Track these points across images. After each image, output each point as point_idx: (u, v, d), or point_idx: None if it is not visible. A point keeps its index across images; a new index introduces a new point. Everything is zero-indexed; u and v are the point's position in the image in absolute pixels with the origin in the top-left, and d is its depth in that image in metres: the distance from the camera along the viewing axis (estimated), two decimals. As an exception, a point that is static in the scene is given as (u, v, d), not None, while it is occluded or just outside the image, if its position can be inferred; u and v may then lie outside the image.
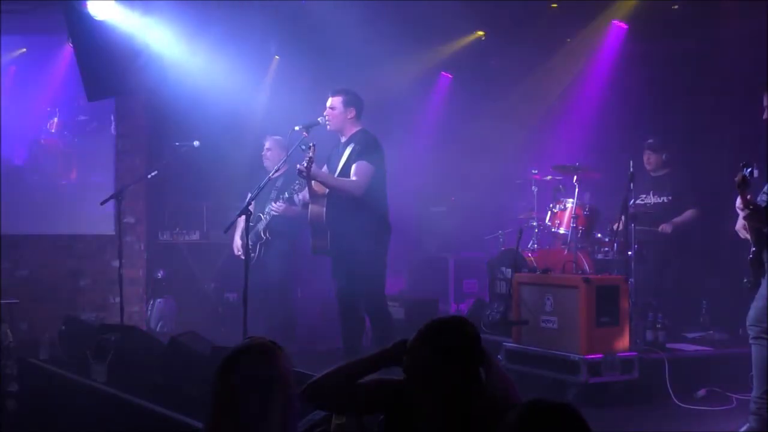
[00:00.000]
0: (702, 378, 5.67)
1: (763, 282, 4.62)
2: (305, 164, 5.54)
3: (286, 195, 6.71)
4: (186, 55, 7.72)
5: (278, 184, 7.17)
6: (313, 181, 5.83)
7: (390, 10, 7.54)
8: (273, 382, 2.23)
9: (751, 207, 4.50)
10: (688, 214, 6.94)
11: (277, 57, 8.44)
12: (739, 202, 4.59)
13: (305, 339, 7.36)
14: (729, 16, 7.27)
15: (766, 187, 4.71)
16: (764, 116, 4.72)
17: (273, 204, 6.92)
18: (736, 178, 4.45)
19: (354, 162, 5.79)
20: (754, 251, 4.67)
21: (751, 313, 4.66)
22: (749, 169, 4.44)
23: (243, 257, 7.04)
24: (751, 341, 4.67)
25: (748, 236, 4.71)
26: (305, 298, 7.98)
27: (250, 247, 6.98)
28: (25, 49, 8.36)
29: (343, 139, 6.01)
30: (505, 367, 6.08)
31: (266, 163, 7.10)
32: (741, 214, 4.65)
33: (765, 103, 4.72)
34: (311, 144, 5.55)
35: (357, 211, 5.76)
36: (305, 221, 6.20)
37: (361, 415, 3.05)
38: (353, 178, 5.76)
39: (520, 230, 6.85)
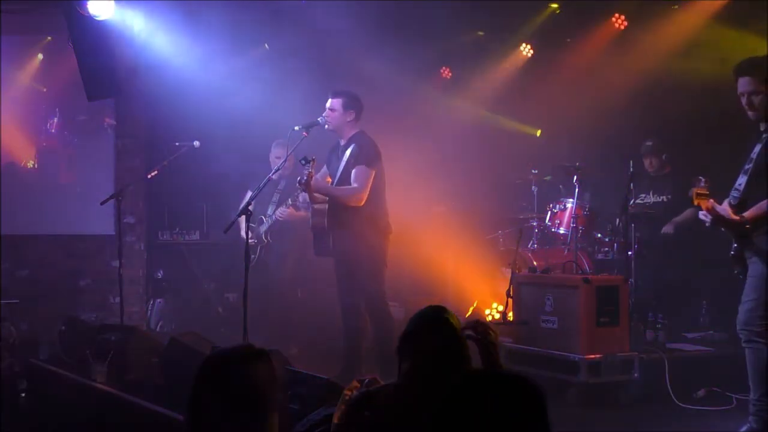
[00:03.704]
0: (702, 378, 5.67)
1: (747, 284, 4.61)
2: (304, 181, 5.60)
3: (290, 202, 6.72)
4: (186, 55, 7.72)
5: (280, 186, 7.17)
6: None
7: (389, 9, 7.53)
8: (270, 389, 2.22)
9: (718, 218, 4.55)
10: (688, 212, 6.94)
11: (266, 46, 8.41)
12: (703, 215, 4.62)
13: (305, 339, 7.35)
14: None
15: (737, 181, 4.69)
16: (742, 101, 4.69)
17: (278, 210, 6.93)
18: (690, 195, 4.51)
19: (353, 167, 5.82)
20: (735, 248, 4.67)
21: (740, 317, 4.63)
22: (701, 184, 4.49)
23: (253, 241, 7.07)
24: (743, 344, 4.65)
25: (707, 221, 4.67)
26: (305, 299, 7.98)
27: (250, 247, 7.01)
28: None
29: (342, 142, 6.05)
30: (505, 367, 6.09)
31: (274, 166, 7.13)
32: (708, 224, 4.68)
33: (739, 90, 4.68)
34: (312, 159, 5.58)
35: (357, 213, 5.81)
36: (306, 223, 6.23)
37: None
38: (353, 184, 5.80)
39: (520, 230, 6.85)
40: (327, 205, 5.92)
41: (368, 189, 5.81)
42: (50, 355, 6.91)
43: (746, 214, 4.53)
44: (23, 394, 5.86)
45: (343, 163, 5.94)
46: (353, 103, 5.99)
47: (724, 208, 4.61)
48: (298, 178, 5.74)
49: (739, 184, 4.65)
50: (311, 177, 5.61)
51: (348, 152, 5.93)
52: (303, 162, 5.62)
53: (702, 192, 4.52)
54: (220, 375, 2.22)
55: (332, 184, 6.05)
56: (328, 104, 6.00)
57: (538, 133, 8.97)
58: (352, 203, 5.80)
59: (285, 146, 6.91)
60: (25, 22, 7.92)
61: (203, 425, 2.18)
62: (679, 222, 6.89)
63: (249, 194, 6.79)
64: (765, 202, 4.53)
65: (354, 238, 5.79)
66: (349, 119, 5.98)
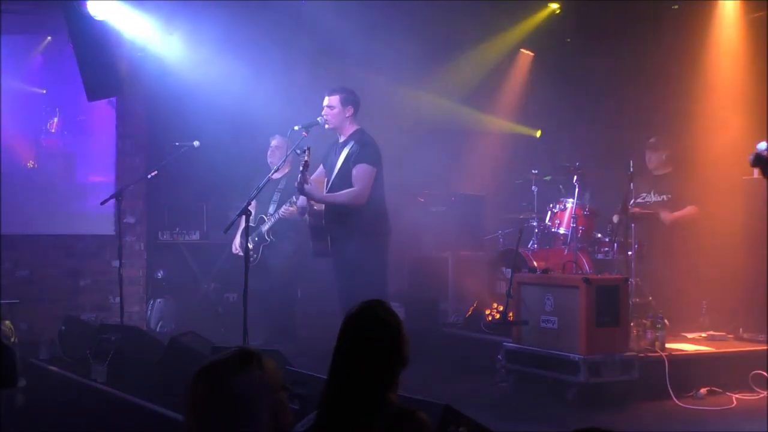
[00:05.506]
0: (702, 378, 5.67)
1: None
2: (299, 179, 5.57)
3: (294, 199, 6.73)
4: (186, 54, 7.72)
5: (281, 186, 7.17)
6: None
7: (388, 10, 7.54)
8: (256, 393, 2.18)
9: None
10: (688, 209, 6.94)
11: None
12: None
13: (306, 339, 7.35)
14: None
15: None
16: None
17: (283, 208, 6.93)
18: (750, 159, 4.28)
19: (354, 164, 5.80)
20: None
21: None
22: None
23: (242, 255, 7.10)
24: None
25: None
26: (306, 299, 7.98)
27: (251, 248, 7.02)
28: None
29: (341, 139, 6.03)
30: (505, 367, 6.09)
31: (270, 161, 7.14)
32: None
33: None
34: (306, 148, 5.54)
35: (356, 212, 5.78)
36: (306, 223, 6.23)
37: None
38: (355, 184, 5.78)
39: (520, 230, 6.84)
40: (324, 206, 5.90)
41: (369, 188, 5.80)
42: (50, 355, 6.91)
43: None
44: (20, 394, 5.85)
45: (341, 161, 5.91)
46: (351, 98, 5.99)
47: None
48: (298, 177, 5.69)
49: None
50: (307, 165, 5.54)
51: (347, 150, 5.91)
52: (298, 152, 5.59)
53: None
54: (214, 385, 2.19)
55: (329, 181, 6.03)
56: (325, 102, 5.98)
57: (538, 133, 8.97)
58: (355, 204, 5.78)
59: (283, 139, 6.91)
60: (25, 22, 7.92)
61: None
62: (678, 216, 6.88)
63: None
64: None
65: (353, 237, 5.78)
66: (348, 114, 5.98)
